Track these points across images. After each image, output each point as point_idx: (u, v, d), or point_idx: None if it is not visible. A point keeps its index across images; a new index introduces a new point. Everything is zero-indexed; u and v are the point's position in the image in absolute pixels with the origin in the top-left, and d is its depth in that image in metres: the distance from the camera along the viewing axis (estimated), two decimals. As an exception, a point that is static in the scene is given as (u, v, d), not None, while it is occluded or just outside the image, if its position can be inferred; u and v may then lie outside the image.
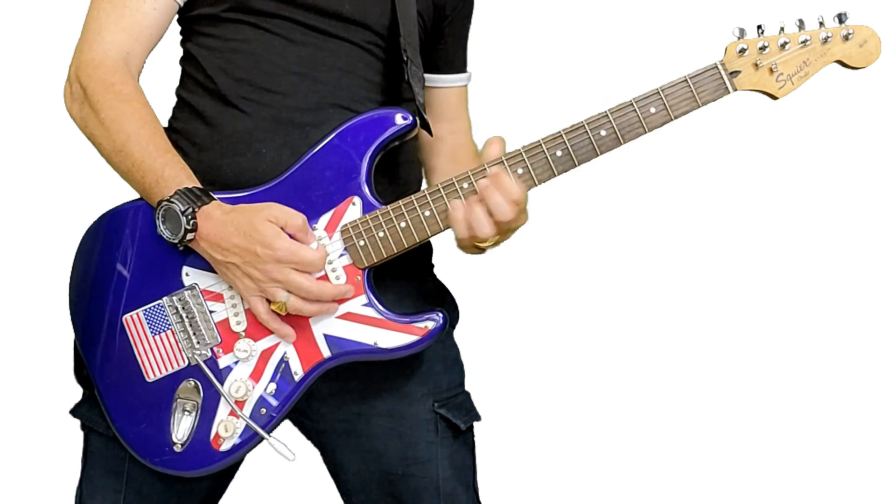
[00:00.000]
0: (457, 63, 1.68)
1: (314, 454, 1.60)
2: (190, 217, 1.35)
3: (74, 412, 1.56)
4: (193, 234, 1.36)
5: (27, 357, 2.66)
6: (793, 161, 2.68)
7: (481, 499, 1.61)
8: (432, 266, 1.64)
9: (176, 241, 1.37)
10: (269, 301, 1.38)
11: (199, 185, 1.39)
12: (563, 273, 2.76)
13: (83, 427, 1.56)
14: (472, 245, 1.43)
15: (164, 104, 1.53)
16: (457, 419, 1.56)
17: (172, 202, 1.35)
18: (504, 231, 1.40)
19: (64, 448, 1.76)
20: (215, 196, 1.40)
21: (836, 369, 2.74)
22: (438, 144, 1.66)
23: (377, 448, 1.52)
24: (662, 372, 2.77)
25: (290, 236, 1.35)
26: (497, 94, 1.72)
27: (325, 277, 1.41)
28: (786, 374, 2.75)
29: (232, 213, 1.37)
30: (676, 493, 2.70)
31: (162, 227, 1.38)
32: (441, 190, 1.41)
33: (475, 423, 1.61)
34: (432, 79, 1.66)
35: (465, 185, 1.41)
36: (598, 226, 2.62)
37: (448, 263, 1.65)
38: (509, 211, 1.36)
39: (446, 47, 1.66)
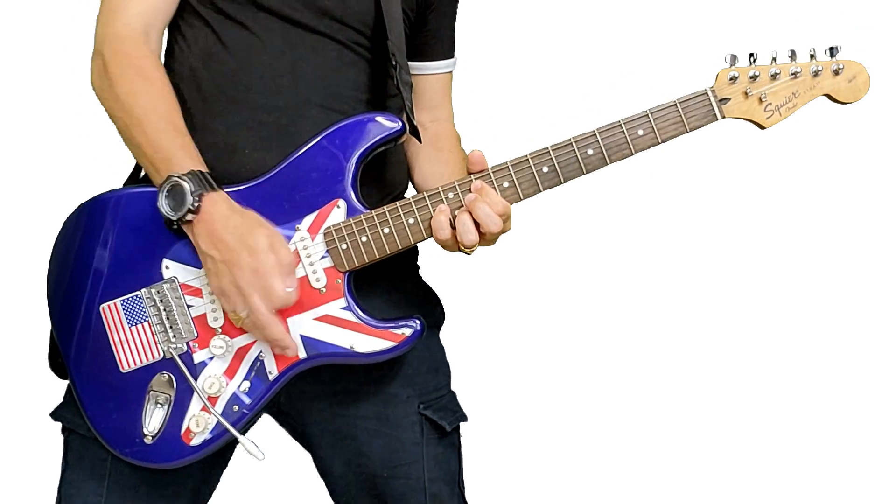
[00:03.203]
0: (441, 49, 1.66)
1: (305, 453, 1.60)
2: (196, 199, 1.34)
3: (55, 415, 1.55)
4: (194, 216, 1.36)
5: (6, 357, 2.64)
6: (783, 166, 2.70)
7: (468, 499, 1.62)
8: (418, 267, 1.64)
9: (174, 219, 1.36)
10: None
11: (210, 173, 1.38)
12: (549, 273, 2.78)
13: (64, 430, 1.54)
14: (455, 248, 1.44)
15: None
16: (442, 420, 1.56)
17: (183, 180, 1.34)
18: (488, 239, 1.41)
19: (44, 451, 1.75)
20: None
21: (834, 370, 2.76)
22: (420, 132, 1.64)
23: (363, 450, 1.53)
24: (649, 372, 2.79)
25: None
26: (488, 105, 1.73)
27: (306, 278, 1.41)
28: (776, 378, 2.78)
29: (237, 213, 1.36)
30: (666, 493, 2.72)
31: (164, 201, 1.36)
32: (426, 199, 1.42)
33: (462, 424, 1.62)
34: (415, 66, 1.64)
35: (451, 195, 1.42)
36: (582, 227, 2.64)
37: (434, 264, 1.66)
38: (495, 223, 1.38)
39: (430, 34, 1.64)
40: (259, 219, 1.38)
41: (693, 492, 2.70)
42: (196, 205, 1.35)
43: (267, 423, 1.55)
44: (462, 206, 1.40)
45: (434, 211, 1.40)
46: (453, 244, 1.41)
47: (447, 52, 1.67)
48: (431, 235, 1.42)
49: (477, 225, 1.38)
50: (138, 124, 1.39)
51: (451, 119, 1.70)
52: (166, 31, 1.54)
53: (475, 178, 1.41)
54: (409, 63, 1.61)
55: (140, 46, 1.43)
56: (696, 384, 2.77)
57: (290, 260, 1.37)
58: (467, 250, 1.42)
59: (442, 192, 1.42)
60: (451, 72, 1.69)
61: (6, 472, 2.61)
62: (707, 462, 2.72)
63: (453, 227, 1.40)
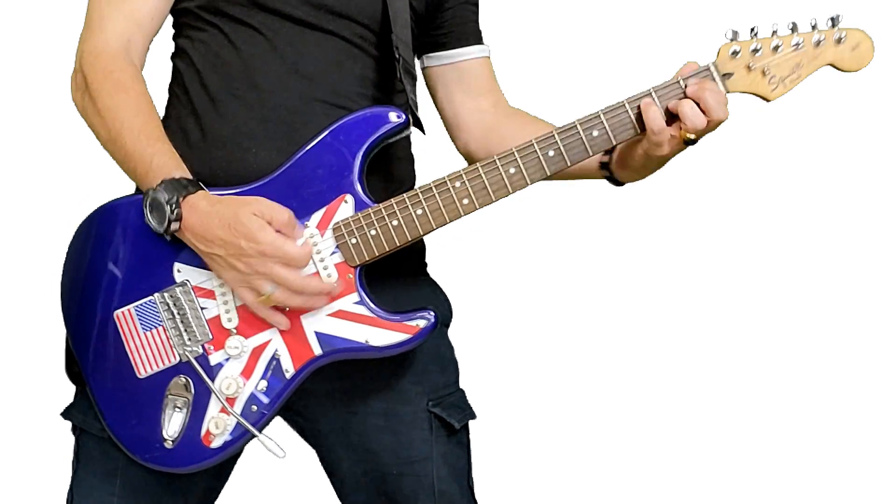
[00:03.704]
0: (471, 37, 1.67)
1: (311, 453, 1.60)
2: (174, 207, 1.35)
3: (66, 414, 1.55)
4: (178, 224, 1.36)
5: (19, 359, 2.65)
6: (788, 159, 2.70)
7: (477, 497, 1.61)
8: (426, 265, 1.64)
9: (161, 231, 1.37)
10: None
11: (188, 176, 1.39)
12: (557, 271, 2.77)
13: (75, 429, 1.55)
14: (663, 145, 1.39)
15: (160, 100, 1.53)
16: (451, 418, 1.56)
17: (157, 192, 1.35)
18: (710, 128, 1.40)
19: (55, 451, 1.76)
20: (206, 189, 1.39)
21: (835, 370, 2.75)
22: (488, 118, 1.65)
23: (372, 447, 1.52)
24: (656, 370, 2.78)
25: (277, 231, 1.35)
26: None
27: (317, 275, 1.41)
28: (777, 375, 2.77)
29: (217, 206, 1.36)
30: (672, 492, 2.70)
31: (149, 217, 1.37)
32: (433, 189, 1.42)
33: (471, 422, 1.61)
34: (450, 54, 1.65)
35: (458, 185, 1.42)
36: (590, 224, 2.63)
37: (441, 262, 1.66)
38: (724, 110, 1.37)
39: (454, 26, 1.65)
40: (238, 199, 1.37)
41: (699, 491, 2.69)
42: (176, 212, 1.35)
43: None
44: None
45: (644, 101, 1.38)
46: (667, 139, 1.38)
47: (476, 40, 1.67)
48: (441, 225, 1.41)
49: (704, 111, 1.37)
50: (118, 138, 1.40)
51: (507, 102, 1.70)
52: (171, 36, 1.55)
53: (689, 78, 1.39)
54: (440, 53, 1.64)
55: (118, 61, 1.44)
56: (704, 382, 2.75)
57: (286, 218, 1.36)
58: (691, 137, 1.38)
59: (449, 182, 1.41)
60: (488, 58, 1.69)
61: (18, 471, 2.62)
62: (714, 462, 2.71)
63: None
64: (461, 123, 1.68)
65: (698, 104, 1.37)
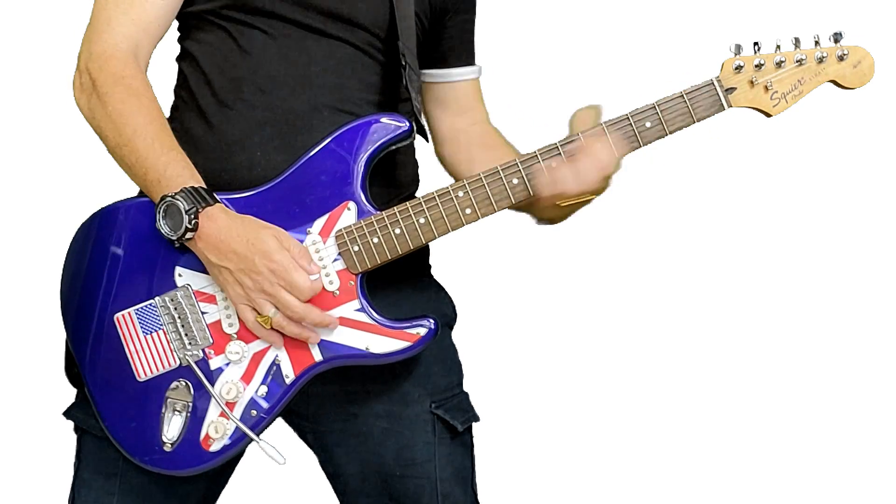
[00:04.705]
0: (465, 56, 1.67)
1: (310, 455, 1.60)
2: (192, 216, 1.35)
3: (68, 414, 1.55)
4: (193, 233, 1.36)
5: (20, 358, 2.64)
6: (788, 164, 2.71)
7: (480, 499, 1.62)
8: (429, 266, 1.64)
9: (174, 238, 1.37)
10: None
11: (205, 186, 1.39)
12: (561, 272, 2.77)
13: (76, 429, 1.55)
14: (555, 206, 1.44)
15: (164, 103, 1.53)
16: (454, 420, 1.56)
17: (176, 199, 1.35)
18: (587, 196, 1.43)
19: (57, 450, 1.76)
20: (219, 198, 1.40)
21: (835, 371, 2.76)
22: (462, 136, 1.66)
23: (375, 449, 1.53)
24: (661, 372, 2.78)
25: None
26: (495, 102, 1.74)
27: (319, 281, 1.41)
28: (785, 376, 2.78)
29: (238, 220, 1.37)
30: (676, 494, 2.72)
31: (162, 223, 1.37)
32: (436, 198, 1.42)
33: (474, 424, 1.62)
34: (443, 74, 1.66)
35: (461, 194, 1.42)
36: (595, 226, 2.62)
37: (445, 264, 1.66)
38: (594, 178, 1.40)
39: (452, 41, 1.65)
40: (259, 221, 1.39)
41: (704, 495, 2.70)
42: (193, 222, 1.35)
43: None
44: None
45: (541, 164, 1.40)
46: (552, 202, 1.43)
47: (470, 59, 1.68)
48: (443, 234, 1.42)
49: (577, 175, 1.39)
50: (129, 143, 1.39)
51: (489, 119, 1.71)
52: (177, 38, 1.54)
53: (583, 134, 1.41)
54: (434, 71, 1.64)
55: (129, 66, 1.43)
56: (709, 384, 2.75)
57: (302, 252, 1.38)
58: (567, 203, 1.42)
59: (452, 191, 1.42)
60: (477, 78, 1.70)
61: (21, 470, 2.62)
62: (716, 465, 2.72)
63: None
64: (435, 136, 1.69)
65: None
